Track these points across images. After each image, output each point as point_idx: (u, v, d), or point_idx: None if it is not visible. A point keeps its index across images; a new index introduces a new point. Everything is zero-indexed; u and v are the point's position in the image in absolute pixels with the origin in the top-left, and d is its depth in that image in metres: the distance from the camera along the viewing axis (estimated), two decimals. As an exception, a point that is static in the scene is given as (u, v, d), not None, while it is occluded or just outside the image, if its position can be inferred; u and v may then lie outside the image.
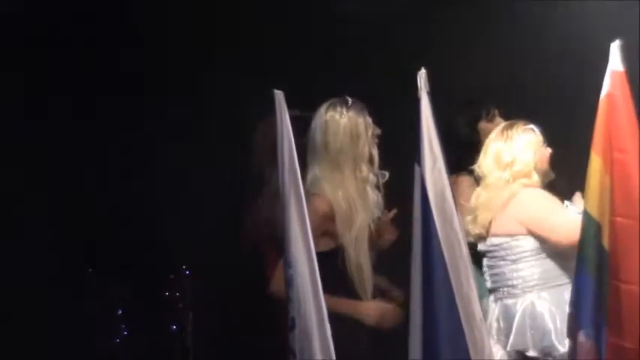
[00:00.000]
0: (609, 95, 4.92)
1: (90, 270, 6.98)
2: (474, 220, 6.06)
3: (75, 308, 6.87)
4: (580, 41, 6.81)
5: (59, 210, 7.10)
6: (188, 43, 7.54)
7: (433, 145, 4.72)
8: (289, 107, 4.85)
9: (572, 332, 5.20)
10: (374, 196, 5.54)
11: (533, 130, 6.06)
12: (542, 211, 5.95)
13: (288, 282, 4.71)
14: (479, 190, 6.11)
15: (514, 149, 6.01)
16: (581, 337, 5.08)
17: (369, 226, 5.52)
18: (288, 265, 4.71)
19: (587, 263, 5.05)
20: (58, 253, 7.00)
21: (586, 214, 5.05)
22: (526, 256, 5.97)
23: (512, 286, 5.98)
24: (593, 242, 5.01)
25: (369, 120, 5.57)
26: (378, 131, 5.62)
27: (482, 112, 6.52)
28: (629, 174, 4.90)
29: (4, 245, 6.94)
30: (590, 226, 5.02)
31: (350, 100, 5.56)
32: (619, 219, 4.92)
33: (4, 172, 7.09)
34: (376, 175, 5.57)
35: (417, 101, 4.73)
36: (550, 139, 6.15)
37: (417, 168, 4.74)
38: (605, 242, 4.97)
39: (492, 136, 6.12)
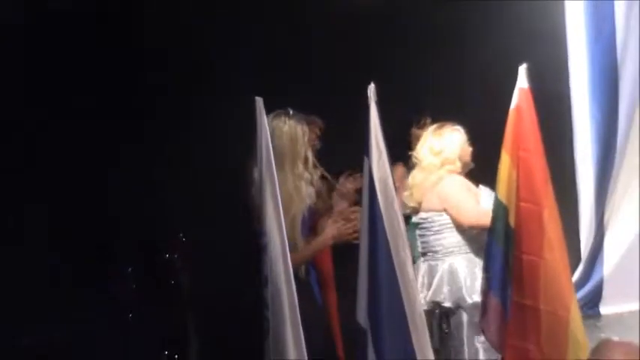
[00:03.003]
0: (517, 107, 5.05)
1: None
2: (410, 196, 6.22)
3: (95, 267, 6.84)
4: (500, 55, 6.82)
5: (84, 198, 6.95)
6: (187, 51, 7.33)
7: (379, 143, 4.76)
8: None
9: (484, 291, 5.33)
10: (306, 190, 5.55)
11: (459, 131, 6.23)
12: (457, 195, 6.10)
13: (264, 248, 4.74)
14: (415, 172, 6.27)
15: (443, 142, 6.19)
16: (491, 295, 5.23)
17: (303, 213, 5.52)
18: (263, 234, 4.74)
19: (497, 237, 5.18)
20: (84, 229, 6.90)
21: (496, 199, 5.19)
22: (445, 229, 6.14)
23: (436, 252, 6.15)
24: (501, 221, 5.13)
25: (306, 128, 5.59)
26: (313, 137, 5.71)
27: (414, 120, 6.55)
28: (532, 168, 5.04)
29: (33, 224, 6.85)
30: (499, 208, 5.15)
31: (291, 111, 5.59)
32: (523, 204, 5.05)
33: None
34: (310, 173, 5.59)
35: (367, 108, 4.75)
36: (473, 137, 6.28)
37: (365, 160, 4.77)
38: (512, 221, 5.08)
39: (428, 131, 6.26)
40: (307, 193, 5.56)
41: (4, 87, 6.84)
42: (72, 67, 7.02)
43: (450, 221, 6.15)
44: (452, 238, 6.15)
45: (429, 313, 6.02)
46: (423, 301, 5.99)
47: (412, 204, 6.26)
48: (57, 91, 6.99)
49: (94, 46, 7.08)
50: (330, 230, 5.51)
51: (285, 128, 5.55)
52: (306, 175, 5.57)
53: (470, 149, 6.26)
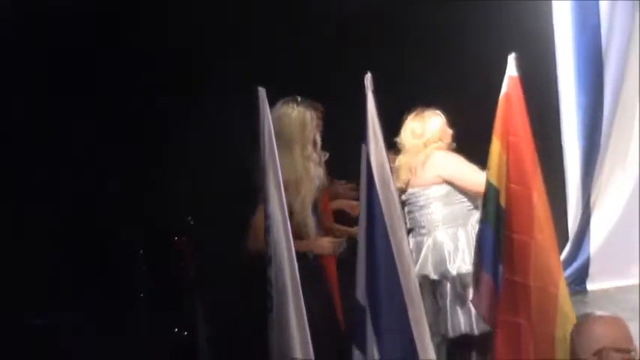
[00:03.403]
0: (506, 95, 5.10)
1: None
2: (397, 177, 6.26)
3: (107, 251, 6.87)
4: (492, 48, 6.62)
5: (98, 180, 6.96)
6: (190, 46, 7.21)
7: (376, 131, 4.78)
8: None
9: (476, 269, 5.39)
10: (316, 170, 5.65)
11: (439, 114, 6.32)
12: (460, 168, 6.21)
13: (268, 229, 4.80)
14: (400, 156, 6.35)
15: (424, 125, 6.28)
16: (483, 273, 5.28)
17: (313, 193, 5.62)
18: (267, 216, 4.80)
19: (489, 217, 5.24)
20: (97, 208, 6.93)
21: (488, 182, 5.24)
22: (431, 203, 6.22)
23: (422, 227, 6.24)
24: (493, 202, 5.19)
25: (314, 113, 5.68)
26: (320, 122, 5.74)
27: (405, 110, 6.48)
28: (520, 152, 5.08)
29: (45, 211, 6.83)
30: (491, 190, 5.21)
31: (299, 98, 5.68)
32: (513, 185, 5.09)
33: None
34: (319, 155, 5.69)
35: (364, 98, 4.77)
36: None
37: (363, 147, 4.79)
38: (502, 202, 5.13)
39: (409, 117, 6.35)
40: (316, 174, 5.67)
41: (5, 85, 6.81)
42: (74, 66, 6.99)
43: (436, 195, 6.23)
44: (437, 214, 6.24)
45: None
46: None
47: (398, 184, 6.26)
48: (58, 89, 6.95)
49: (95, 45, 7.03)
50: (324, 245, 5.67)
51: (294, 114, 5.64)
52: (315, 156, 5.68)
53: (450, 131, 6.34)
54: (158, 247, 6.97)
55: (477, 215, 5.92)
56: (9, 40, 6.83)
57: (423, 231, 6.26)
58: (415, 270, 5.96)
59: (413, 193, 6.30)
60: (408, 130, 6.34)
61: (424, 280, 6.16)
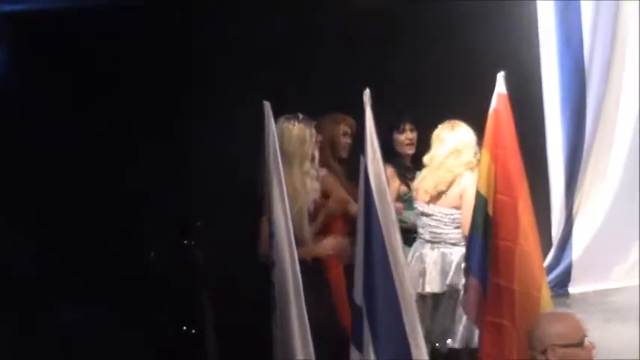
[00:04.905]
0: (495, 110, 5.15)
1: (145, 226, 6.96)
2: (425, 189, 6.15)
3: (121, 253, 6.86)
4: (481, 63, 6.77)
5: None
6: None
7: (374, 143, 4.78)
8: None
9: (466, 274, 5.46)
10: (312, 185, 5.70)
11: (470, 130, 6.08)
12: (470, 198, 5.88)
13: (272, 235, 4.83)
14: (428, 168, 6.15)
15: (459, 141, 6.07)
16: (471, 277, 5.34)
17: (308, 207, 5.67)
18: (272, 224, 4.84)
19: (477, 227, 5.26)
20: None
21: (477, 192, 5.28)
22: (456, 225, 6.10)
23: (447, 241, 6.12)
24: (481, 211, 5.23)
25: (314, 130, 5.73)
26: (320, 138, 5.79)
27: (394, 126, 6.49)
28: (507, 164, 5.12)
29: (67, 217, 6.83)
30: (479, 200, 5.25)
31: (300, 115, 5.71)
32: (500, 195, 5.14)
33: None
34: (316, 170, 5.74)
35: (363, 112, 4.77)
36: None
37: (362, 158, 4.81)
38: (490, 211, 5.18)
39: (440, 129, 6.11)
40: (313, 188, 5.71)
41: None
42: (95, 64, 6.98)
43: (458, 218, 6.10)
44: (461, 233, 6.11)
45: (441, 296, 6.09)
46: (437, 283, 6.08)
47: (423, 197, 6.18)
48: (73, 86, 6.92)
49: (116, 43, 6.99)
50: (325, 245, 5.74)
51: (295, 131, 5.68)
52: (312, 172, 5.72)
53: (477, 148, 5.98)
54: (168, 249, 6.92)
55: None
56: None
57: (448, 245, 6.11)
58: (447, 279, 6.05)
59: (447, 214, 6.11)
60: (442, 144, 6.09)
61: (451, 289, 6.07)
